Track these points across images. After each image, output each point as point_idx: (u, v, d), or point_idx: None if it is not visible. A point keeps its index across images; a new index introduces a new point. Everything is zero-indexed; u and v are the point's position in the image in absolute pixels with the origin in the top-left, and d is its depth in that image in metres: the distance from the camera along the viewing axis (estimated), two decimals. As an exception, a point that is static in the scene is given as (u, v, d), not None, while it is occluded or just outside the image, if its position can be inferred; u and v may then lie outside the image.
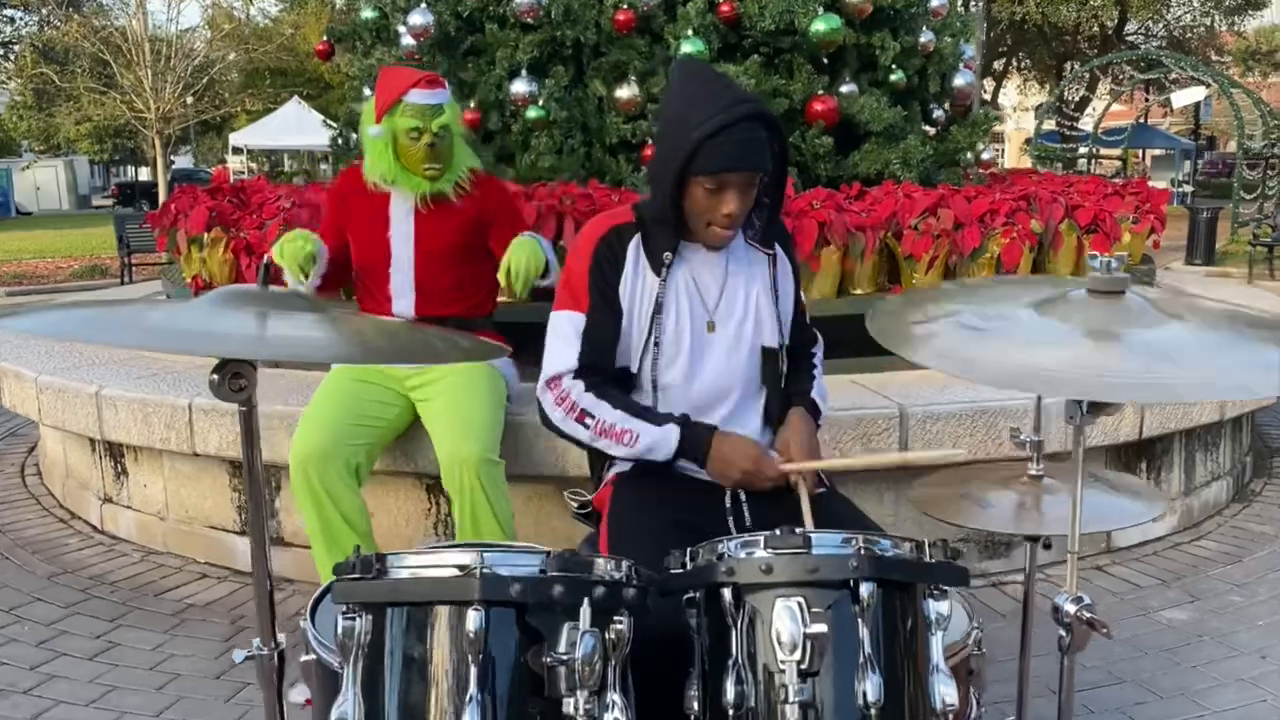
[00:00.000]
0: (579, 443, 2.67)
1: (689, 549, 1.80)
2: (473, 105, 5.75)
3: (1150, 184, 8.53)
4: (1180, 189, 26.65)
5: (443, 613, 1.62)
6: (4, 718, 3.45)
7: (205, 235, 5.45)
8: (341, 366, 3.81)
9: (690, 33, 5.51)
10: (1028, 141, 21.78)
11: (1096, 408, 1.68)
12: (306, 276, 3.67)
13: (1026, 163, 18.34)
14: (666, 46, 5.66)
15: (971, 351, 1.56)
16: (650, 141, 5.60)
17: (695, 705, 1.75)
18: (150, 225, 6.61)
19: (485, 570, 1.58)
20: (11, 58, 39.84)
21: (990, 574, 4.41)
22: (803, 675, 1.59)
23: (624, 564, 1.69)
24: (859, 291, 4.90)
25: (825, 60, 5.83)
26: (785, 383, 2.73)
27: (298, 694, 3.71)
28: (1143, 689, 3.51)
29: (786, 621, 1.59)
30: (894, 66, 5.94)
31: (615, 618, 1.64)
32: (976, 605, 3.67)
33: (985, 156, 6.44)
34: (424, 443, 3.93)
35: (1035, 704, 2.84)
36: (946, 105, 6.47)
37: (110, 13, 37.72)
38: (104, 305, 1.63)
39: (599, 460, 2.80)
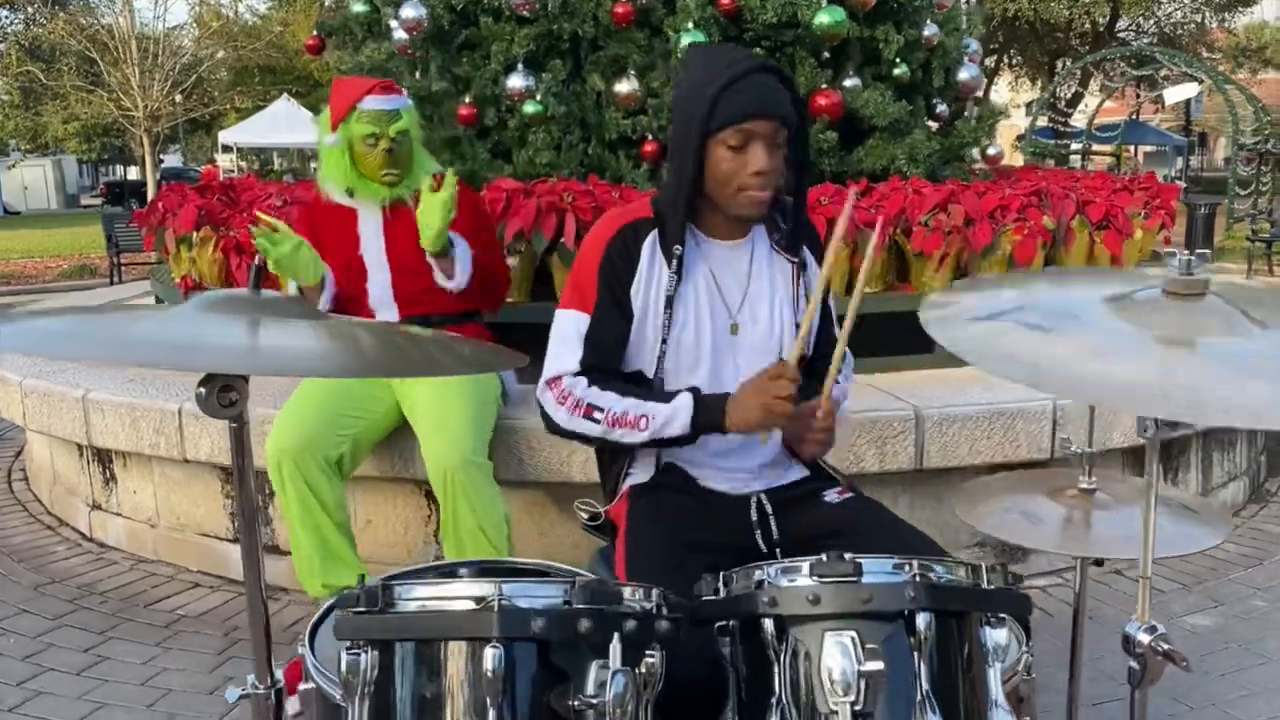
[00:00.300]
0: (590, 440, 2.48)
1: (722, 573, 1.66)
2: (468, 100, 5.61)
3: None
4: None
5: (457, 649, 1.47)
6: (-11, 737, 3.33)
7: (194, 234, 5.31)
8: None
9: (690, 25, 5.36)
10: (1019, 138, 21.66)
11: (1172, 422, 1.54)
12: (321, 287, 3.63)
13: (1019, 159, 18.23)
14: (666, 40, 5.52)
15: (1039, 357, 1.40)
16: (649, 137, 5.47)
17: None
18: (138, 224, 6.46)
19: (504, 602, 1.43)
20: (-3, 56, 39.60)
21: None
22: (856, 717, 1.45)
23: (654, 592, 1.55)
24: (867, 290, 4.75)
25: (827, 54, 5.69)
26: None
27: (294, 705, 3.61)
28: (1174, 701, 3.39)
29: (838, 658, 1.45)
30: (897, 60, 5.80)
31: (647, 652, 1.50)
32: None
33: (991, 152, 6.31)
34: (419, 448, 3.82)
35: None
36: (951, 100, 6.33)
37: (96, 10, 37.53)
38: (85, 314, 1.48)
39: (612, 470, 2.63)
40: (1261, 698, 3.40)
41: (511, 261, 4.58)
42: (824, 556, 1.53)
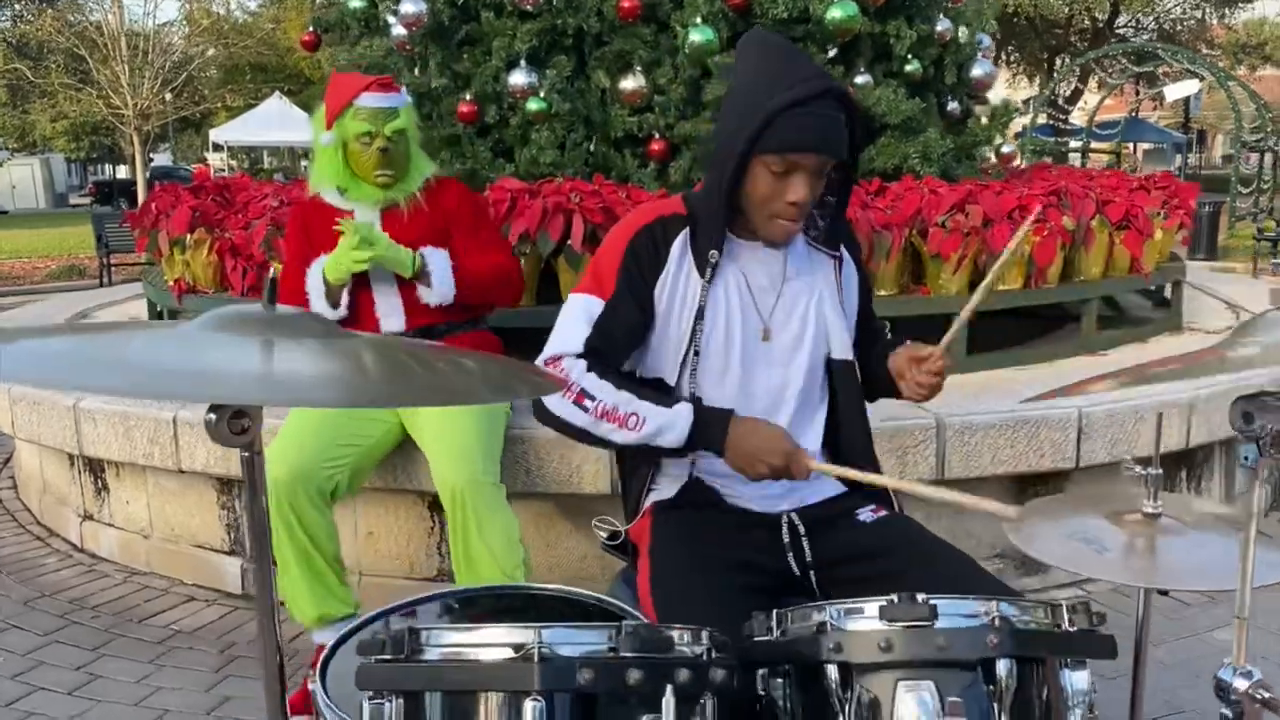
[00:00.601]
0: (574, 431, 2.29)
1: (775, 611, 1.52)
2: (469, 98, 5.47)
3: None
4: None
5: (493, 701, 1.33)
6: (-22, 760, 3.20)
7: (188, 236, 5.16)
8: None
9: (699, 20, 5.23)
10: (1018, 135, 21.58)
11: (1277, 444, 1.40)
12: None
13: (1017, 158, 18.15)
14: (673, 35, 5.38)
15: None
16: (656, 135, 5.34)
17: None
18: (130, 225, 6.31)
19: (544, 650, 1.29)
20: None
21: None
22: (935, 774, 1.31)
23: (703, 634, 1.40)
24: (883, 293, 4.62)
25: (838, 50, 5.56)
26: (862, 367, 2.46)
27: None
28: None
29: (915, 711, 1.31)
30: (909, 56, 5.67)
31: (700, 702, 1.36)
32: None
33: (1005, 150, 6.18)
34: (423, 459, 3.68)
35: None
36: (964, 97, 6.19)
37: (85, 7, 37.30)
38: (81, 336, 1.32)
39: (633, 487, 2.48)
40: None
41: (517, 263, 4.44)
42: (895, 598, 1.39)
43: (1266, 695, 1.44)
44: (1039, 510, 1.95)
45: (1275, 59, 40.01)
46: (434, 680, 1.36)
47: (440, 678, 1.36)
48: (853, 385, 2.45)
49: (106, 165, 56.38)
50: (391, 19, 5.77)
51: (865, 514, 2.39)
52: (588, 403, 2.24)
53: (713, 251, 2.28)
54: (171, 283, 5.33)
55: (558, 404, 2.27)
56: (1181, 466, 4.58)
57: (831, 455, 2.44)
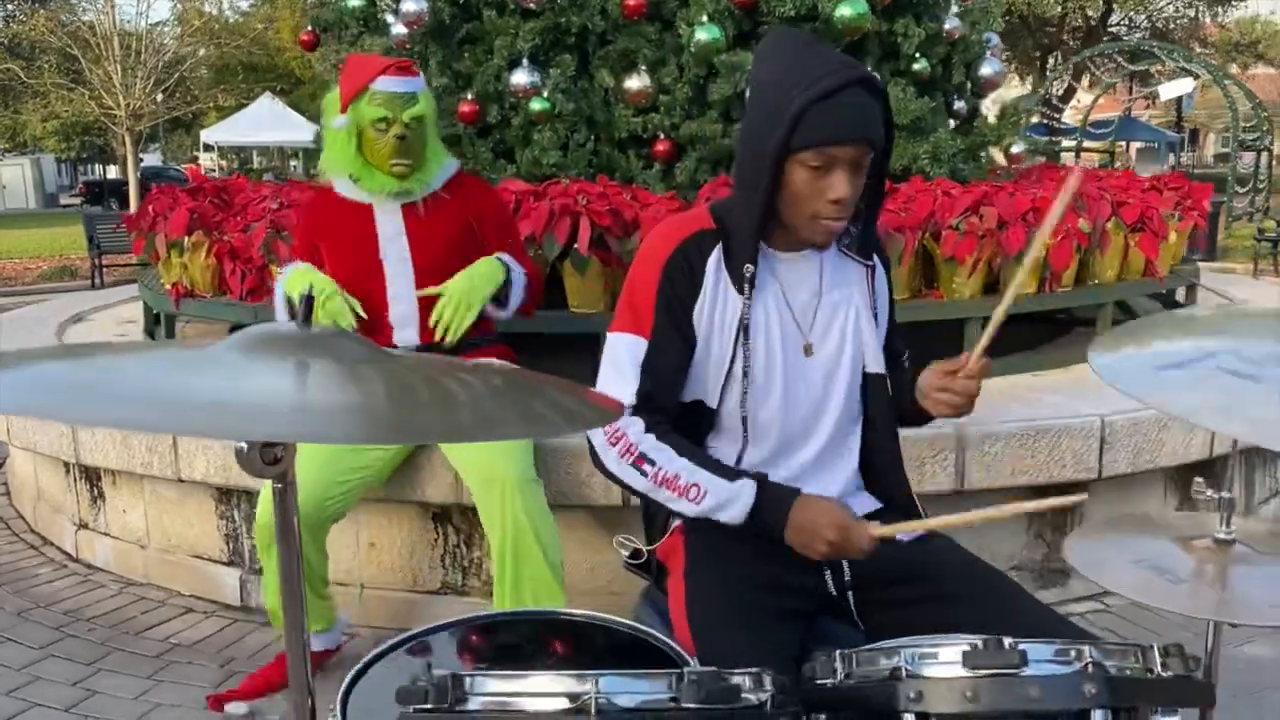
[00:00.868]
0: (633, 491, 2.21)
1: (838, 652, 1.41)
2: (470, 97, 5.37)
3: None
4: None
5: (546, 755, 1.22)
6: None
7: (186, 239, 5.05)
8: None
9: (704, 19, 5.14)
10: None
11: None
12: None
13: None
14: (678, 34, 5.29)
15: (1252, 409, 1.17)
16: (661, 136, 5.24)
17: None
18: (126, 227, 6.21)
19: (601, 701, 1.19)
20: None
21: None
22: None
23: (766, 678, 1.30)
24: (895, 297, 4.53)
25: (846, 48, 5.46)
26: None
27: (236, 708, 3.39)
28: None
29: (1001, 766, 1.21)
30: (917, 55, 5.58)
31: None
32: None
33: (1015, 150, 6.07)
34: (426, 469, 3.60)
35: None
36: (972, 95, 6.10)
37: (77, 7, 37.09)
38: (88, 357, 1.21)
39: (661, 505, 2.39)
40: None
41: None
42: (980, 643, 1.28)
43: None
44: (1094, 534, 1.86)
45: (1268, 57, 40.03)
46: (485, 734, 1.24)
47: (486, 730, 1.25)
48: (885, 399, 2.34)
49: (96, 165, 56.13)
50: (391, 18, 5.68)
51: (903, 534, 2.29)
52: (647, 467, 2.14)
53: (748, 265, 2.17)
54: (169, 286, 5.22)
55: (616, 464, 2.18)
56: (1201, 476, 4.48)
57: (865, 472, 2.35)
